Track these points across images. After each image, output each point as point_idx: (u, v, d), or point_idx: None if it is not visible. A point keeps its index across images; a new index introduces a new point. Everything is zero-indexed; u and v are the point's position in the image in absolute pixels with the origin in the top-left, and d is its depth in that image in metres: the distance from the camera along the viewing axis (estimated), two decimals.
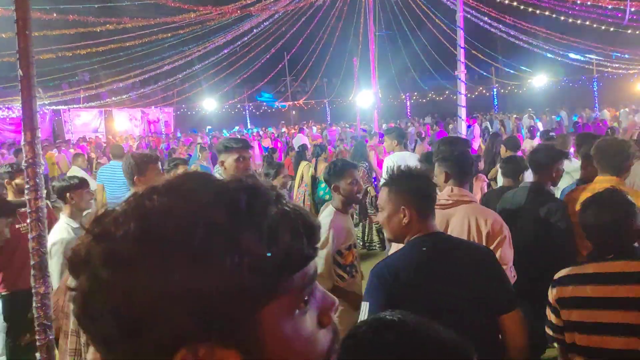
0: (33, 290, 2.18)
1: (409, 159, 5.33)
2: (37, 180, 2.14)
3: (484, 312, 1.96)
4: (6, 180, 4.12)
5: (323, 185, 6.53)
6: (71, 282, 0.55)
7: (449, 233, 2.64)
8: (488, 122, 20.47)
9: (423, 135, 13.96)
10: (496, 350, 1.98)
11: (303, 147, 9.29)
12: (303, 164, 7.72)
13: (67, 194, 3.64)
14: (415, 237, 2.08)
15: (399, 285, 1.94)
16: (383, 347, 0.90)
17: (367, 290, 2.06)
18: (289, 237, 0.55)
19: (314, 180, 7.26)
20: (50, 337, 2.22)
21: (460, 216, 2.75)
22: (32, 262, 2.15)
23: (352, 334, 0.95)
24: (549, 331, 2.23)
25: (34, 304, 2.18)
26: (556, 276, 2.21)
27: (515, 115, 21.90)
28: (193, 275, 0.50)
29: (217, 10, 16.41)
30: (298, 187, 7.49)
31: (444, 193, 2.86)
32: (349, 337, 0.94)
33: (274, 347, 0.54)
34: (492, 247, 2.57)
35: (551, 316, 2.20)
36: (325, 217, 3.15)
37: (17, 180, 4.04)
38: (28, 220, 2.18)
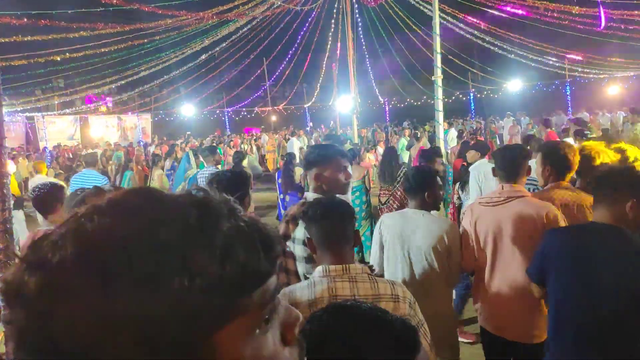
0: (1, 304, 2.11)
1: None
2: (5, 191, 2.07)
3: None
4: None
5: (357, 194, 6.29)
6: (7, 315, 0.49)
7: (503, 229, 2.80)
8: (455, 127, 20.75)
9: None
10: None
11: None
12: None
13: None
14: None
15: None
16: (337, 327, 1.00)
17: None
18: (244, 253, 0.51)
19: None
20: None
21: (515, 211, 2.79)
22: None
23: (310, 318, 1.05)
24: None
25: (1, 317, 2.11)
26: None
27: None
28: (139, 301, 0.46)
29: (193, 16, 16.28)
30: None
31: (495, 191, 2.96)
32: (307, 321, 1.03)
33: None
34: None
35: None
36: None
37: None
38: None
